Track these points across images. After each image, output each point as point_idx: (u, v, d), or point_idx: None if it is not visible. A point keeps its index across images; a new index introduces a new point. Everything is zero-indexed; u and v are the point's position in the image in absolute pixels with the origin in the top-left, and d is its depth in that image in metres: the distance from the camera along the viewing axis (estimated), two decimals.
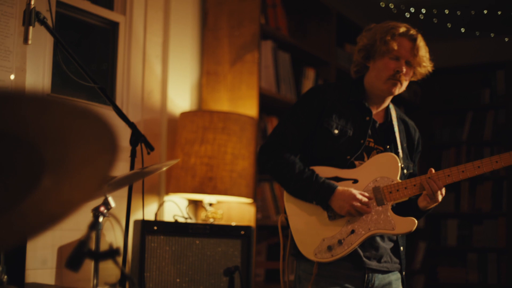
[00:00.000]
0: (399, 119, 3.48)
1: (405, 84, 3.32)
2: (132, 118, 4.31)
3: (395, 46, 3.23)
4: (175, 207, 4.47)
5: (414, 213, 3.25)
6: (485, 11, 6.13)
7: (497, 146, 7.49)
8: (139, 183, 3.81)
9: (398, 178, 3.22)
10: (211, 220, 4.35)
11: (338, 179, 3.23)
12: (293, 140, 3.32)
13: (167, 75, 4.66)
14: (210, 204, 4.47)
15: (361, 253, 3.21)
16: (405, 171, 3.34)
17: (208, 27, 5.00)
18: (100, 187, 1.62)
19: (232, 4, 4.94)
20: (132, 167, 3.46)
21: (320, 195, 3.18)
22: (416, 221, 3.15)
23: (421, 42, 3.28)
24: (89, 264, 3.53)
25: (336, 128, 3.27)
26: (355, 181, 3.22)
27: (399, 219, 3.16)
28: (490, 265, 7.38)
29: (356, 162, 3.27)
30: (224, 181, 4.34)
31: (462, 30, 6.67)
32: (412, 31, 3.30)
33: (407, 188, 3.18)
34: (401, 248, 3.35)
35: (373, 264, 3.23)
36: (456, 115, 7.76)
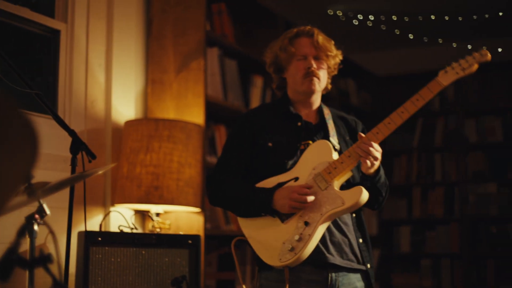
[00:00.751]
0: (336, 116, 3.49)
1: (323, 79, 3.38)
2: (75, 128, 4.19)
3: (293, 49, 3.33)
4: (121, 218, 4.37)
5: (366, 184, 3.21)
6: (433, 17, 6.15)
7: (448, 151, 7.52)
8: (82, 193, 3.72)
9: (333, 157, 3.20)
10: (158, 231, 4.26)
11: (281, 184, 3.23)
12: (236, 166, 3.38)
13: (111, 84, 4.57)
14: (157, 215, 4.38)
15: (324, 250, 3.18)
16: None
17: (153, 36, 4.93)
18: (18, 189, 1.54)
19: (177, 11, 4.88)
20: (73, 171, 3.37)
21: (263, 205, 3.19)
22: (363, 188, 3.10)
23: (319, 35, 3.35)
24: (23, 274, 3.42)
25: (270, 141, 3.32)
26: (296, 179, 3.22)
27: (346, 192, 3.12)
28: (443, 271, 7.39)
29: None
30: (171, 190, 4.26)
31: (411, 36, 6.68)
32: (307, 28, 3.38)
33: (344, 162, 3.14)
34: (360, 240, 3.31)
35: (337, 260, 3.19)
36: (406, 122, 7.69)
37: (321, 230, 3.12)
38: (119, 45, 4.66)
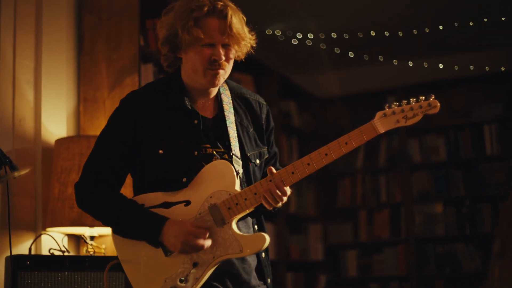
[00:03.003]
0: (238, 99, 2.98)
1: (229, 68, 2.82)
2: (2, 148, 3.98)
3: (201, 34, 2.71)
4: (53, 242, 4.12)
5: (260, 211, 2.90)
6: (373, 33, 6.06)
7: (392, 172, 7.43)
8: (2, 216, 3.53)
9: (236, 188, 2.76)
10: (92, 254, 4.02)
11: (167, 204, 2.77)
12: (110, 171, 2.84)
13: (40, 102, 4.34)
14: (92, 238, 4.15)
15: (219, 286, 2.79)
16: (257, 161, 2.93)
17: (85, 51, 4.72)
18: None
19: (109, 26, 4.69)
20: None
21: (148, 233, 2.73)
22: (267, 236, 2.72)
23: (233, 17, 2.74)
24: None
25: (161, 147, 2.78)
26: (187, 203, 2.77)
27: (246, 238, 2.74)
28: None
29: None
30: None
31: (351, 54, 6.58)
32: (219, 5, 2.74)
33: (248, 199, 2.72)
34: (263, 255, 2.93)
35: None
36: None
37: (210, 273, 2.73)
38: (48, 61, 4.44)
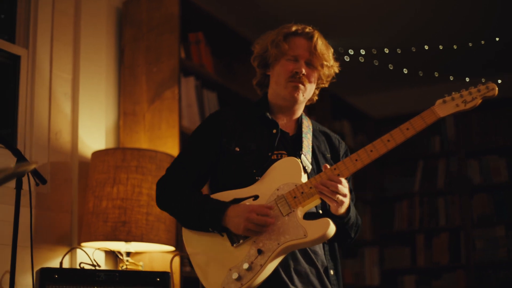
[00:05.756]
0: (317, 130, 3.14)
1: (310, 88, 2.99)
2: (37, 161, 3.91)
3: (287, 47, 2.96)
4: (87, 256, 4.01)
5: (339, 223, 2.84)
6: (426, 47, 5.84)
7: (451, 195, 7.14)
8: (36, 232, 3.43)
9: (303, 180, 2.81)
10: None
11: (237, 200, 2.85)
12: (192, 171, 3.01)
13: (77, 115, 4.26)
14: (128, 255, 4.02)
15: (288, 281, 2.79)
16: None
17: (125, 65, 4.63)
18: None
19: (150, 38, 4.60)
20: (17, 199, 3.06)
21: (212, 219, 2.80)
22: (331, 221, 2.70)
23: (319, 39, 2.97)
24: None
25: (237, 146, 2.96)
26: (256, 197, 2.83)
27: (310, 223, 2.72)
28: None
29: None
30: (140, 225, 3.90)
31: (405, 71, 6.37)
32: (308, 29, 3.00)
33: (313, 187, 2.75)
34: (331, 271, 2.94)
35: None
36: (406, 165, 7.42)
37: (275, 262, 2.74)
38: (87, 74, 4.36)
